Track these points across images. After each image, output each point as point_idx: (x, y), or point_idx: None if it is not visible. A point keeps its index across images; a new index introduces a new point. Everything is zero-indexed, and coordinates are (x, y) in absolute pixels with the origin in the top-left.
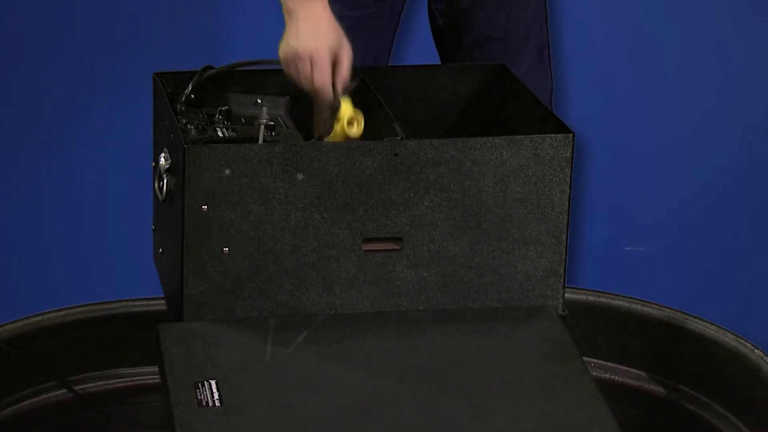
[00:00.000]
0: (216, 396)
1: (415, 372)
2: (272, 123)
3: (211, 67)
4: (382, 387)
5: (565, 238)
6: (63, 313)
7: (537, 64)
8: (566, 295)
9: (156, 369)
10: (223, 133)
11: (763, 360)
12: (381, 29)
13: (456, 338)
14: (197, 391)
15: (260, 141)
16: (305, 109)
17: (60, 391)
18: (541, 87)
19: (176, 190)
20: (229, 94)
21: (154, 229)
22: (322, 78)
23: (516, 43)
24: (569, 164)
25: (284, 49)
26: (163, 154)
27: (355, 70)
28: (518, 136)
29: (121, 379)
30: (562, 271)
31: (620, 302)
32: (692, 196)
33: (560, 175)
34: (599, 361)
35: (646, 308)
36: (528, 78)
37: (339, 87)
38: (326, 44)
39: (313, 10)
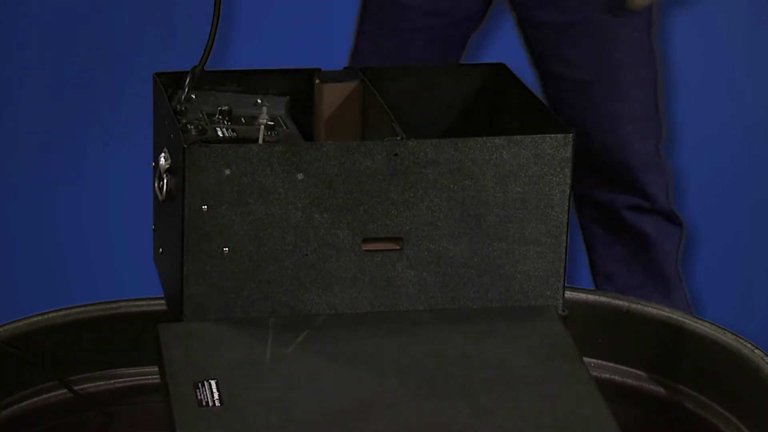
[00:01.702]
0: (216, 396)
1: (415, 372)
2: (272, 123)
3: (197, 66)
4: (382, 387)
5: (565, 238)
6: (63, 313)
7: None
8: (566, 295)
9: (156, 369)
10: (223, 133)
11: (763, 360)
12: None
13: (456, 338)
14: (197, 391)
15: (260, 141)
16: (305, 109)
17: (60, 391)
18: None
19: (176, 190)
20: (229, 94)
21: (154, 229)
22: None
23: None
24: (569, 164)
25: None
26: (163, 154)
27: (355, 70)
28: (518, 136)
29: (121, 379)
30: (562, 271)
31: (620, 302)
32: (692, 196)
33: (560, 175)
34: (599, 361)
35: (646, 308)
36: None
37: None
38: None
39: None
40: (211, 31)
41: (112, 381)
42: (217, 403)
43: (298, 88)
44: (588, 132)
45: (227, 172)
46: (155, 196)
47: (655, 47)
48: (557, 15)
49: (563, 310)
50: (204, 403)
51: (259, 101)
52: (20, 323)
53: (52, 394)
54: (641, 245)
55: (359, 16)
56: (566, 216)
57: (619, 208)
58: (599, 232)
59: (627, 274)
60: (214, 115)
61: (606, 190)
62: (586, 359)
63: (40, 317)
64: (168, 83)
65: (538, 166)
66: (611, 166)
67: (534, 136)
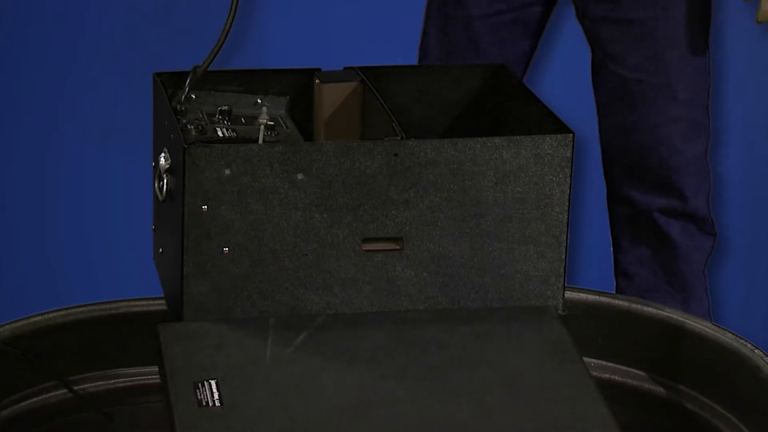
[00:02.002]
0: (216, 396)
1: (415, 372)
2: (272, 123)
3: (198, 66)
4: (382, 387)
5: (565, 238)
6: (63, 313)
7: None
8: (566, 295)
9: (156, 369)
10: (223, 133)
11: (763, 360)
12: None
13: (456, 338)
14: (197, 391)
15: (260, 141)
16: (305, 109)
17: (60, 391)
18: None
19: (176, 190)
20: (229, 94)
21: (154, 229)
22: None
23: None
24: (569, 164)
25: None
26: (163, 154)
27: (355, 70)
28: (518, 136)
29: (121, 379)
30: (562, 271)
31: (620, 302)
32: None
33: (560, 175)
34: (599, 361)
35: (646, 308)
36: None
37: None
38: None
39: None
40: (222, 31)
41: (112, 381)
42: (217, 403)
43: (298, 88)
44: (631, 130)
45: (227, 172)
46: (155, 196)
47: (708, 50)
48: (609, 10)
49: (563, 310)
50: (204, 403)
51: (259, 101)
52: (20, 323)
53: (52, 394)
54: (667, 250)
55: (426, 7)
56: (566, 216)
57: (652, 209)
58: (627, 231)
59: (648, 277)
60: (214, 115)
61: (642, 190)
62: (586, 359)
63: (40, 317)
64: (168, 83)
65: (538, 166)
66: (651, 166)
67: (534, 136)
